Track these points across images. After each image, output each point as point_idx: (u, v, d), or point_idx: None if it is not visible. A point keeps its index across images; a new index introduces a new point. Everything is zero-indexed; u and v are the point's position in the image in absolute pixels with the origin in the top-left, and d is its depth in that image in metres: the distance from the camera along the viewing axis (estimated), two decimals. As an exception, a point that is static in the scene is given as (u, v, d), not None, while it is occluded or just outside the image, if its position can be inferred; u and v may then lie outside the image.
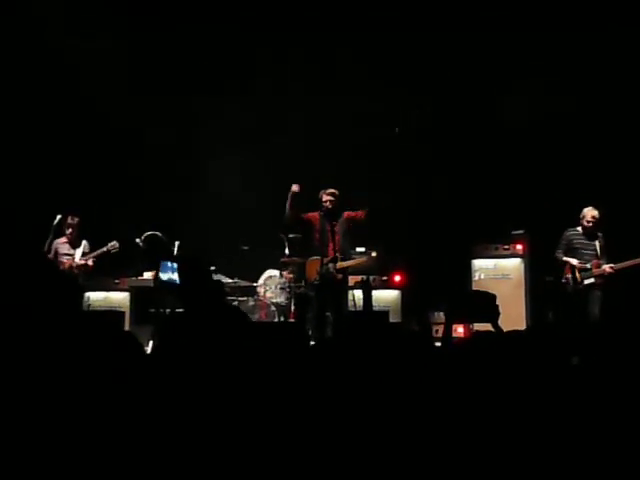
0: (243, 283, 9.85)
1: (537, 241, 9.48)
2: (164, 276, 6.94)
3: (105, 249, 9.14)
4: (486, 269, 9.58)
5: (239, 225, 10.35)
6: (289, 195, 8.32)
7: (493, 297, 4.64)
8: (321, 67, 10.41)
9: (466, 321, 7.89)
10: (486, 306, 4.62)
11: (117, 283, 9.85)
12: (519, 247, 9.61)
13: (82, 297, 9.41)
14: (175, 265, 6.63)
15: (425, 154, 10.44)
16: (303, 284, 8.97)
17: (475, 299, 5.45)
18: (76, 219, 9.29)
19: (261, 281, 9.87)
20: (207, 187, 10.74)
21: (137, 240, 9.14)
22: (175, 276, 6.61)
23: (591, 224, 8.56)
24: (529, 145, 10.11)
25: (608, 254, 8.57)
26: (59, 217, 9.11)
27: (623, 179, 9.37)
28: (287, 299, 9.61)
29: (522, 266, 9.51)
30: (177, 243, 9.33)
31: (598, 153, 9.64)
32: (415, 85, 10.25)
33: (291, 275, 9.62)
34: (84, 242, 9.33)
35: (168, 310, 7.86)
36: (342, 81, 10.30)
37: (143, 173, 10.76)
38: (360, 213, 8.50)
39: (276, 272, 9.85)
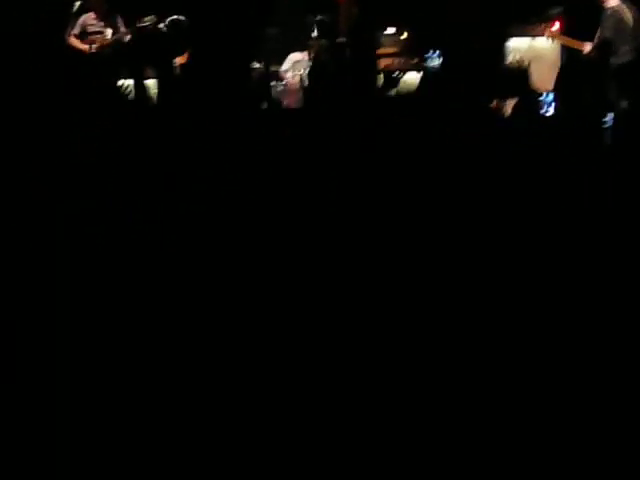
0: (273, 68, 9.61)
1: (574, 19, 9.08)
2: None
3: (144, 24, 8.64)
4: (520, 50, 9.23)
5: (264, 8, 10.03)
6: None
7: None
8: None
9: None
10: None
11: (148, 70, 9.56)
12: (556, 26, 9.21)
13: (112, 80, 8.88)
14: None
15: None
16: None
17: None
18: None
19: (287, 65, 9.51)
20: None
21: (160, 25, 8.89)
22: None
23: None
24: None
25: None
26: (78, 3, 8.73)
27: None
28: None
29: (558, 46, 9.15)
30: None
31: None
32: None
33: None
34: (118, 18, 8.75)
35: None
36: None
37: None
38: None
39: (301, 55, 9.48)
